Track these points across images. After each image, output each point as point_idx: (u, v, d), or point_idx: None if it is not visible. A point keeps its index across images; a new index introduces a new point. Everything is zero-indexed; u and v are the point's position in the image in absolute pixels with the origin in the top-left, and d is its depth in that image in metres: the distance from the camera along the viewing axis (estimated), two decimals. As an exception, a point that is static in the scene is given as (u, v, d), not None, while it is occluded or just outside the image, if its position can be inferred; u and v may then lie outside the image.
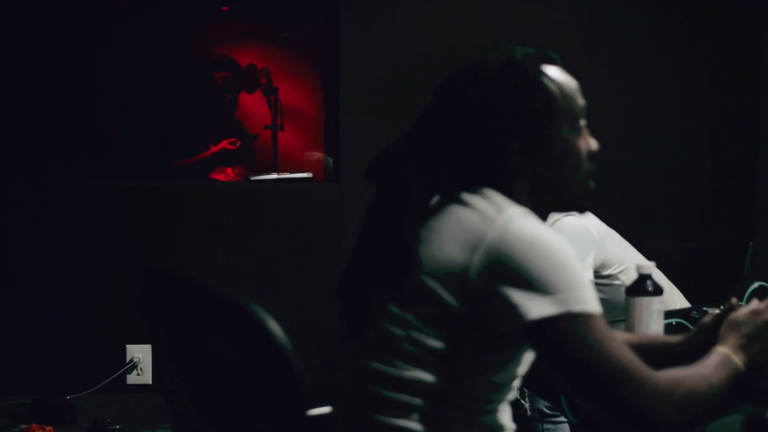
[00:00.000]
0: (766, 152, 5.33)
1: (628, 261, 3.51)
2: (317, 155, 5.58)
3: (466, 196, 1.79)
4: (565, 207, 1.99)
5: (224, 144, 5.43)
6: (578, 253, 3.33)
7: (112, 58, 5.50)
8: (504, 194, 1.82)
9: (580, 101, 1.91)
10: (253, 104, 5.68)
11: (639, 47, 5.25)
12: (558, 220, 3.46)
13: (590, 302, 1.68)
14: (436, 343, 1.73)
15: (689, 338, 2.21)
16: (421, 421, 1.75)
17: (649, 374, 1.66)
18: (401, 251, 1.77)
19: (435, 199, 1.83)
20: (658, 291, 2.42)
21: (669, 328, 2.56)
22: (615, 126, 5.20)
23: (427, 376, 1.74)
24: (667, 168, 5.27)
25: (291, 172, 5.09)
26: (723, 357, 1.77)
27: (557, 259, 1.68)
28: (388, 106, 4.75)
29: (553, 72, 1.89)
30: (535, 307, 1.65)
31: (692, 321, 2.69)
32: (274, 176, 5.00)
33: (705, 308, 2.73)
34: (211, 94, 5.48)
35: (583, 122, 1.92)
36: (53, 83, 5.26)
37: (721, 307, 2.68)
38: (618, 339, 1.68)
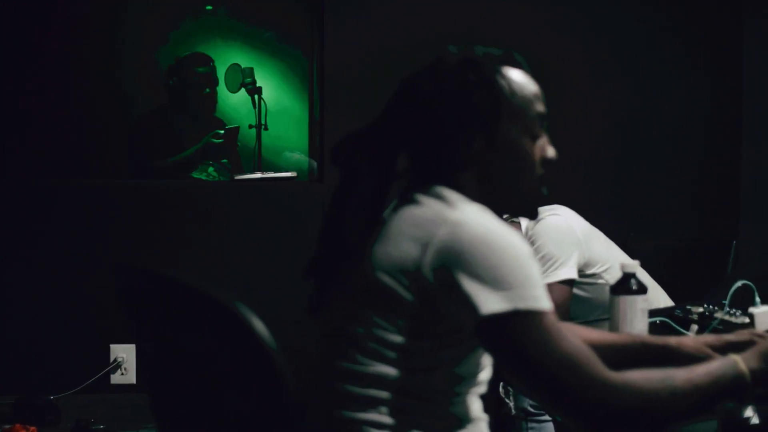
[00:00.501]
0: (748, 152, 5.35)
1: (612, 260, 3.52)
2: (298, 154, 5.58)
3: (422, 195, 1.82)
4: (515, 209, 2.00)
5: (191, 153, 5.42)
6: (563, 253, 3.38)
7: (92, 57, 5.49)
8: (454, 186, 1.84)
9: (538, 107, 1.92)
10: (236, 103, 5.68)
11: (623, 49, 5.27)
12: (542, 219, 3.47)
13: (541, 300, 1.68)
14: (396, 338, 1.74)
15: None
16: (389, 414, 1.77)
17: (600, 372, 1.66)
18: (354, 249, 1.81)
19: (390, 195, 1.87)
20: (642, 290, 2.43)
21: (653, 327, 2.57)
22: (599, 126, 5.21)
23: (390, 371, 1.75)
24: (650, 168, 5.29)
25: (275, 172, 5.08)
26: (723, 363, 1.77)
27: (508, 256, 1.68)
28: (373, 105, 4.72)
29: (512, 73, 1.90)
30: (485, 304, 1.65)
31: (676, 320, 2.70)
32: (257, 175, 4.99)
33: (689, 307, 2.74)
34: (190, 92, 5.47)
35: (539, 128, 1.92)
36: (34, 83, 5.24)
37: (705, 305, 2.70)
38: (571, 336, 1.69)
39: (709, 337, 2.28)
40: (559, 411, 1.68)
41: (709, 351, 2.20)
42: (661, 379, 1.69)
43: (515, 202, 1.94)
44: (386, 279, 1.74)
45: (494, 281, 1.65)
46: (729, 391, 1.75)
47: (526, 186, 1.92)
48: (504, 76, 1.88)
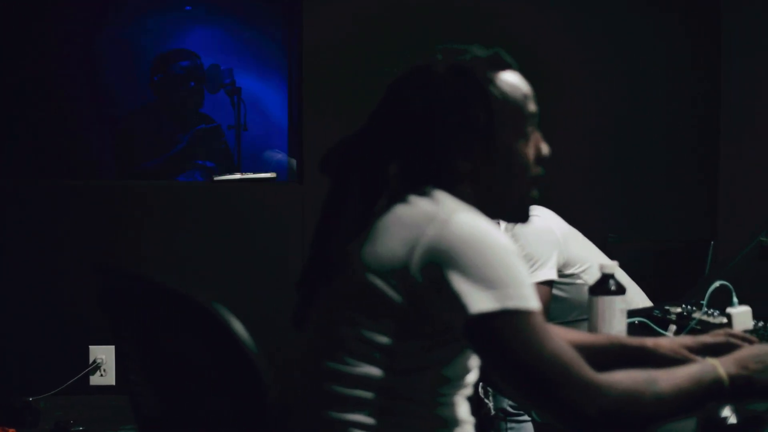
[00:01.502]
0: (726, 153, 5.37)
1: (591, 260, 3.53)
2: (278, 155, 5.58)
3: (412, 195, 1.81)
4: (507, 215, 1.98)
5: (176, 150, 5.41)
6: (542, 254, 3.39)
7: (72, 56, 5.48)
8: (449, 194, 1.83)
9: (531, 107, 1.91)
10: (216, 104, 5.67)
11: (601, 53, 5.28)
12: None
13: (529, 299, 1.67)
14: (383, 339, 1.74)
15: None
16: (374, 415, 1.76)
17: (586, 373, 1.66)
18: (345, 251, 1.81)
19: (382, 198, 1.86)
20: (620, 290, 2.44)
21: (631, 327, 2.58)
22: (577, 128, 5.22)
23: (377, 372, 1.75)
24: (628, 169, 5.31)
25: (254, 172, 5.08)
26: (702, 368, 1.76)
27: (497, 255, 1.68)
28: (352, 106, 4.75)
29: (502, 77, 1.88)
30: (474, 303, 1.65)
31: (654, 320, 2.71)
32: (237, 176, 4.98)
33: (667, 307, 2.75)
34: (173, 86, 5.46)
35: (532, 128, 1.91)
36: (15, 82, 5.22)
37: (683, 306, 2.71)
38: (557, 336, 1.68)
39: (685, 339, 2.29)
40: (547, 411, 1.68)
41: (685, 352, 2.21)
42: (646, 381, 1.69)
43: (508, 208, 1.93)
44: (374, 279, 1.74)
45: (483, 280, 1.65)
46: (709, 395, 1.74)
47: (519, 191, 1.91)
48: (495, 84, 1.86)
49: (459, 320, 1.67)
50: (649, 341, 2.26)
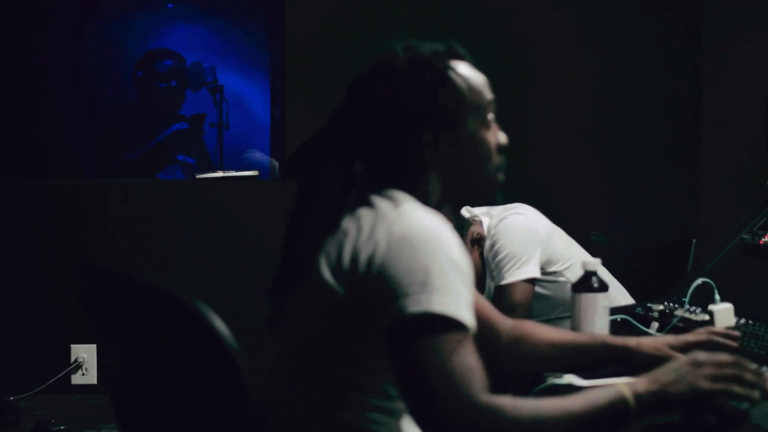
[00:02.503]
0: (708, 151, 5.39)
1: (574, 258, 3.54)
2: (259, 154, 5.57)
3: (373, 196, 1.82)
4: (477, 197, 2.00)
5: (175, 127, 5.41)
6: (525, 252, 3.39)
7: (54, 55, 5.46)
8: (415, 189, 1.85)
9: (488, 95, 1.95)
10: (199, 102, 5.66)
11: (584, 52, 5.29)
12: (504, 218, 3.49)
13: (453, 308, 1.64)
14: (336, 343, 1.75)
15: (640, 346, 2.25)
16: (328, 419, 1.77)
17: (476, 394, 1.60)
18: (307, 256, 1.82)
19: (347, 200, 1.86)
20: (603, 287, 2.44)
21: (614, 325, 2.58)
22: (560, 126, 5.23)
23: (335, 377, 1.76)
24: (611, 167, 5.32)
25: (237, 170, 5.07)
26: (600, 391, 1.71)
27: (436, 261, 1.65)
28: (335, 103, 4.74)
29: (461, 67, 1.92)
30: (404, 304, 1.63)
31: (637, 317, 2.72)
32: (219, 174, 4.98)
33: (649, 304, 2.76)
34: (155, 84, 5.46)
35: (491, 116, 1.95)
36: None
37: (665, 303, 2.71)
38: (469, 355, 1.64)
39: (668, 338, 2.30)
40: (427, 426, 1.63)
41: (668, 350, 2.22)
42: (532, 408, 1.64)
43: (477, 191, 1.96)
44: (327, 277, 1.74)
45: (415, 284, 1.63)
46: (611, 417, 1.68)
47: (487, 174, 1.94)
48: (457, 73, 1.91)
49: (387, 319, 1.65)
50: (632, 341, 2.26)
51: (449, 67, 1.90)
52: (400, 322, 1.63)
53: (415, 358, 1.62)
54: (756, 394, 1.77)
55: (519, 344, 2.27)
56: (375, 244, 1.69)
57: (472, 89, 1.91)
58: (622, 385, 1.71)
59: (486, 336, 2.20)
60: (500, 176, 1.97)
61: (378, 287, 1.67)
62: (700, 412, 1.77)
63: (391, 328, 1.65)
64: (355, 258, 1.71)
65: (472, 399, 1.59)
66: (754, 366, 1.80)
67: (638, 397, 1.69)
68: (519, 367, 2.30)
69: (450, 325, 1.63)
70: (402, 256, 1.66)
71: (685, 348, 2.24)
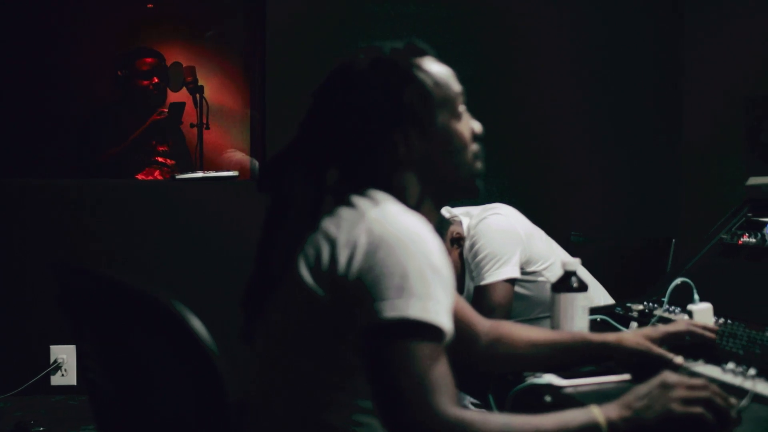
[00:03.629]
0: (688, 151, 5.41)
1: (553, 258, 3.54)
2: (239, 154, 5.56)
3: (354, 196, 1.81)
4: (457, 192, 1.99)
5: (153, 117, 5.40)
6: (505, 252, 3.40)
7: (35, 54, 5.44)
8: (393, 189, 1.85)
9: (456, 87, 1.95)
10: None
11: (562, 52, 5.30)
12: (483, 219, 3.49)
13: (433, 314, 1.63)
14: (317, 344, 1.75)
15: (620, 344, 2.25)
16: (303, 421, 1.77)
17: (444, 406, 1.59)
18: (279, 267, 1.82)
19: (320, 210, 1.86)
20: (582, 287, 2.45)
21: (593, 324, 2.59)
22: (540, 126, 5.25)
23: (317, 378, 1.76)
24: (591, 167, 5.34)
25: (216, 171, 5.07)
26: (578, 412, 1.69)
27: (415, 265, 1.64)
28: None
29: (424, 62, 1.92)
30: (382, 308, 1.62)
31: (616, 317, 2.72)
32: (199, 174, 4.97)
33: (629, 304, 2.76)
34: (137, 82, 5.45)
35: (462, 107, 1.95)
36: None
37: (645, 303, 2.72)
38: (441, 365, 1.63)
39: (648, 330, 2.31)
40: (388, 428, 1.62)
41: (648, 344, 2.22)
42: (501, 424, 1.62)
43: (456, 185, 1.95)
44: (306, 278, 1.74)
45: (395, 288, 1.62)
46: None
47: (464, 166, 1.94)
48: (420, 69, 1.90)
49: (364, 321, 1.64)
50: (612, 336, 2.26)
51: (412, 65, 1.90)
52: (377, 325, 1.62)
53: (388, 362, 1.61)
54: (732, 412, 1.74)
55: (498, 345, 2.27)
56: (354, 245, 1.69)
57: (438, 83, 1.91)
58: (596, 409, 1.69)
59: (464, 338, 2.21)
60: (479, 165, 1.97)
61: (356, 289, 1.66)
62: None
63: (367, 330, 1.64)
64: (334, 259, 1.71)
65: (439, 409, 1.58)
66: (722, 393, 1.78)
67: (611, 423, 1.67)
68: (499, 367, 2.30)
69: (426, 331, 1.62)
70: (380, 259, 1.65)
71: (665, 339, 2.25)
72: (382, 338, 1.62)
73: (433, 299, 1.64)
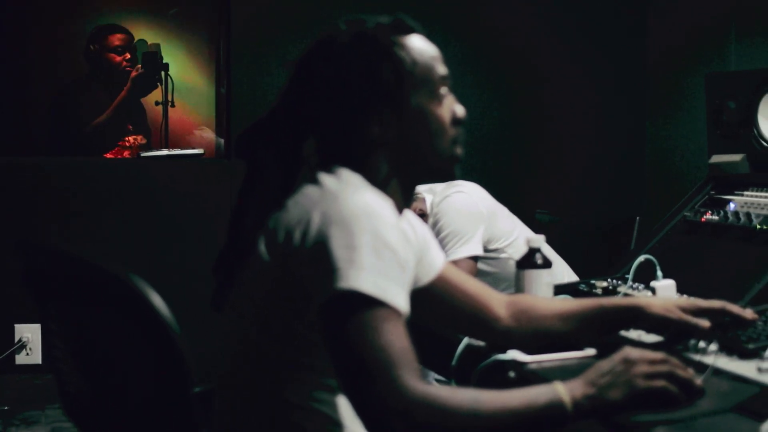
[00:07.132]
0: (652, 131, 5.44)
1: (516, 235, 3.56)
2: (206, 132, 5.54)
3: (321, 173, 1.81)
4: (432, 175, 1.98)
5: (123, 93, 5.37)
6: (468, 230, 3.41)
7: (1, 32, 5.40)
8: (365, 168, 1.84)
9: (440, 69, 1.91)
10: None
11: (530, 35, 5.31)
12: (447, 197, 3.50)
13: (384, 290, 1.61)
14: (276, 321, 1.75)
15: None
16: (266, 406, 1.78)
17: (406, 380, 1.56)
18: (252, 235, 1.80)
19: (296, 179, 1.85)
20: (547, 264, 2.45)
21: (557, 301, 2.60)
22: (507, 104, 5.26)
23: (278, 356, 1.76)
24: (556, 146, 5.35)
25: (182, 149, 5.05)
26: (540, 390, 1.66)
27: (371, 240, 1.63)
28: (280, 82, 4.73)
29: (408, 40, 1.88)
30: (335, 280, 1.60)
31: (580, 294, 2.74)
32: (164, 152, 4.95)
33: (593, 281, 2.78)
34: (109, 57, 5.42)
35: (444, 89, 1.91)
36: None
37: (609, 280, 2.74)
38: (398, 338, 1.60)
39: (680, 300, 2.18)
40: (353, 403, 1.60)
41: (679, 313, 2.09)
42: (469, 399, 1.60)
43: (431, 168, 1.93)
44: (263, 252, 1.74)
45: (349, 261, 1.60)
46: (548, 418, 1.64)
47: (440, 150, 1.90)
48: (401, 46, 1.86)
49: (319, 296, 1.64)
50: (641, 300, 2.16)
51: (394, 42, 1.86)
52: (330, 298, 1.60)
53: (345, 337, 1.59)
54: (695, 385, 1.70)
55: (522, 323, 2.18)
56: (308, 221, 1.68)
57: (418, 63, 1.87)
58: (560, 387, 1.66)
59: (480, 322, 2.16)
60: (458, 150, 1.94)
61: (309, 264, 1.65)
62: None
63: (321, 304, 1.63)
64: (289, 232, 1.70)
65: (403, 384, 1.55)
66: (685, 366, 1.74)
67: (576, 402, 1.64)
68: (526, 346, 2.18)
69: (377, 304, 1.60)
70: (334, 232, 1.63)
71: (696, 312, 2.10)
72: (337, 312, 1.60)
73: (383, 275, 1.61)
